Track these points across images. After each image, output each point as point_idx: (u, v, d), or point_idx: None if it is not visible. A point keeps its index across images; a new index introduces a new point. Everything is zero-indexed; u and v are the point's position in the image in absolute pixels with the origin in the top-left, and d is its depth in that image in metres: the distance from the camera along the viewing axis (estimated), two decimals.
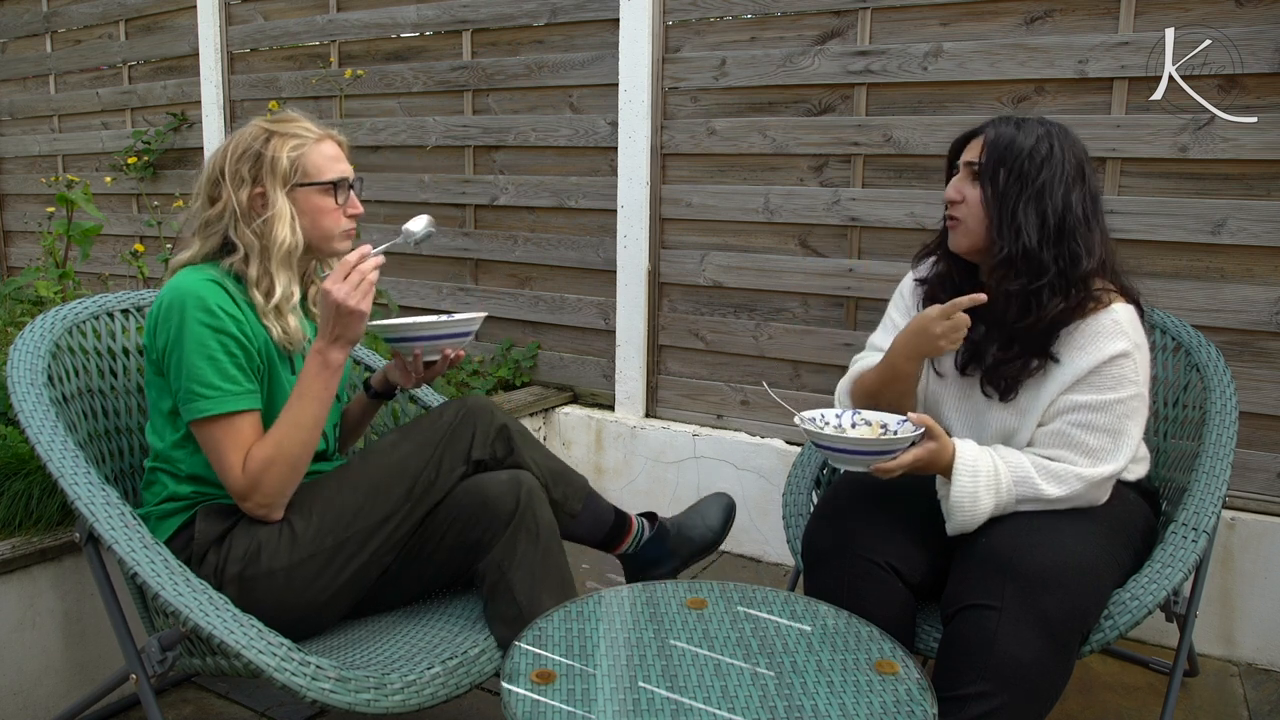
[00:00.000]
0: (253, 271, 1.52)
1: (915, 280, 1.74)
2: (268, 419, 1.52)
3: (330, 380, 1.49)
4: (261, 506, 1.48)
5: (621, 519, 1.78)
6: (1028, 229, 1.48)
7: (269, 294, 1.52)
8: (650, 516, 1.84)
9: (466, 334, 1.63)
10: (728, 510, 1.84)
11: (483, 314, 1.69)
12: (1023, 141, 1.50)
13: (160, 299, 1.49)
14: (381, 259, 1.48)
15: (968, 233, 1.56)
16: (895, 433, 1.50)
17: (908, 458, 1.45)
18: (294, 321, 1.56)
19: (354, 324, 1.46)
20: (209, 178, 1.56)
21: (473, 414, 1.63)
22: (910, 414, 1.48)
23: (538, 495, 1.58)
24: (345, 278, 1.44)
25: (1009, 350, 1.54)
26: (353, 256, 1.46)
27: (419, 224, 1.62)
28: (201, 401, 1.44)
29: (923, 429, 1.45)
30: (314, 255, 1.62)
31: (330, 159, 1.57)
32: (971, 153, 1.56)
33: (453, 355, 1.66)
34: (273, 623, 1.37)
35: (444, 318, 1.64)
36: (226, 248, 1.55)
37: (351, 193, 1.60)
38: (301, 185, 1.54)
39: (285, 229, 1.52)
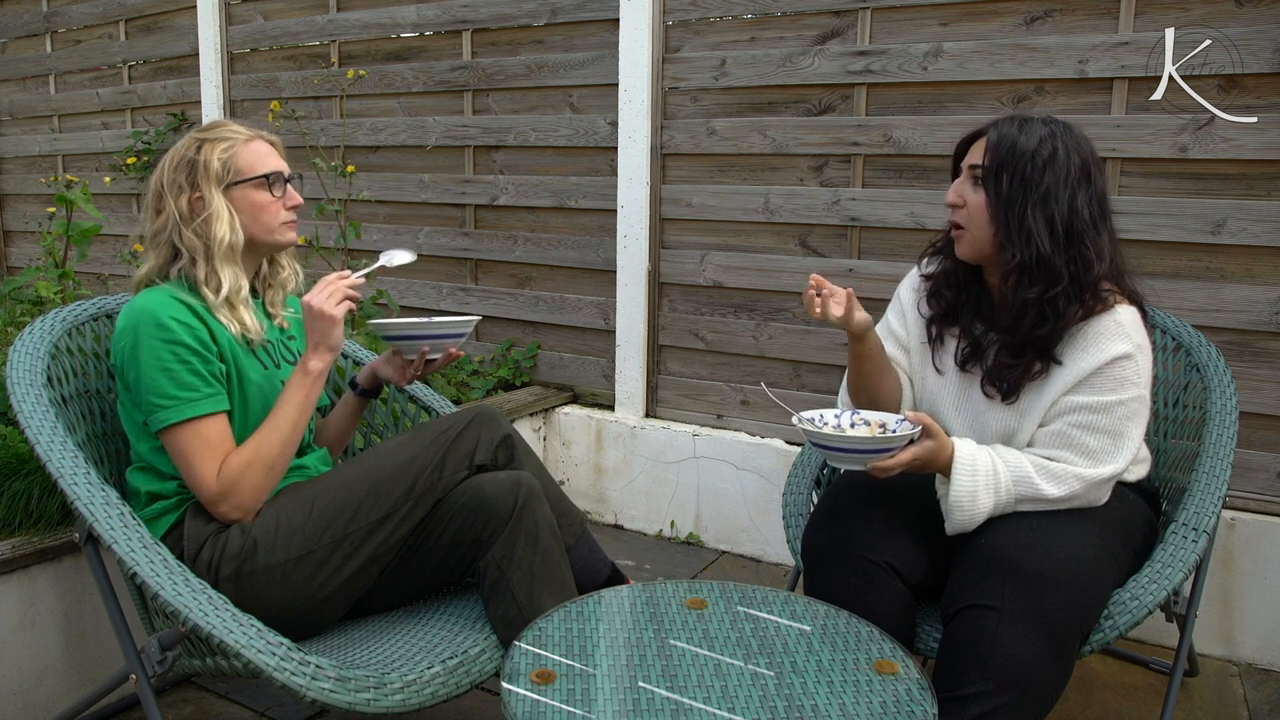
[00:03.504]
0: (200, 272, 1.58)
1: (921, 276, 1.73)
2: (236, 413, 1.57)
3: (311, 387, 1.56)
4: (236, 509, 1.51)
5: (618, 580, 1.79)
6: (1039, 235, 1.47)
7: (218, 290, 1.59)
8: None
9: (464, 334, 1.72)
10: None
11: (478, 316, 1.82)
12: (1025, 144, 1.48)
13: (119, 321, 1.55)
14: (360, 280, 1.59)
15: (973, 241, 1.55)
16: (894, 432, 1.49)
17: (905, 456, 1.45)
18: (248, 314, 1.61)
19: (329, 330, 1.54)
20: (153, 192, 1.63)
21: (480, 420, 1.68)
22: (908, 413, 1.48)
23: (537, 496, 1.58)
24: (321, 290, 1.55)
25: (1019, 357, 1.53)
26: (332, 275, 1.57)
27: (400, 257, 1.76)
28: (161, 412, 1.49)
29: (920, 427, 1.45)
30: (261, 250, 1.67)
31: (261, 155, 1.63)
32: (975, 155, 1.54)
33: (454, 352, 1.73)
34: (271, 621, 1.37)
35: (444, 318, 1.70)
36: (177, 254, 1.61)
37: (289, 186, 1.66)
38: (236, 183, 1.60)
39: (224, 226, 1.58)
